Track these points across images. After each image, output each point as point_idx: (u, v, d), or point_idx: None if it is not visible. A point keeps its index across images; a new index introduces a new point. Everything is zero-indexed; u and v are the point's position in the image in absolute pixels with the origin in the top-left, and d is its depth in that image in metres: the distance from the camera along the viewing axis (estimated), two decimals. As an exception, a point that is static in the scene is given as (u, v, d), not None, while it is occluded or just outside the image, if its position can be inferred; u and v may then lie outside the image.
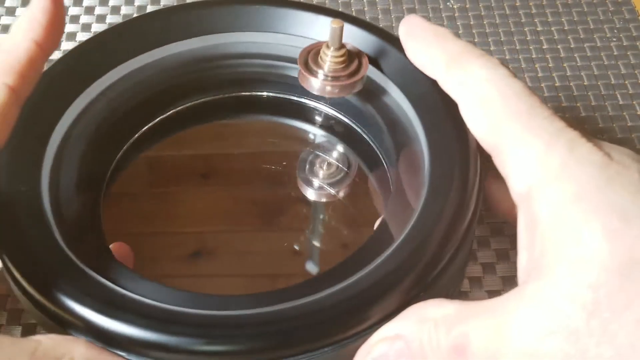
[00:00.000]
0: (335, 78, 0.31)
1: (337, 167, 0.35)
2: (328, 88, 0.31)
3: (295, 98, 0.36)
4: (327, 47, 0.31)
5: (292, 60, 0.33)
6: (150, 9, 0.45)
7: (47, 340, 0.23)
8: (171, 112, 0.36)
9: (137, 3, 0.46)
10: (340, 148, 0.36)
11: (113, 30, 0.34)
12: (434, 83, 0.29)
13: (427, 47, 0.28)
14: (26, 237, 0.26)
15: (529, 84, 0.41)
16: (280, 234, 0.34)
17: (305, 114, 0.36)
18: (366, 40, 0.32)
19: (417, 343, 0.22)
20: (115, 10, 0.45)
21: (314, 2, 0.46)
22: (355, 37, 0.32)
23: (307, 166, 0.35)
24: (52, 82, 0.31)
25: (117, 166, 0.33)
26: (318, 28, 0.34)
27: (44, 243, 0.26)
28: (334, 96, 0.32)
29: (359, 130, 0.35)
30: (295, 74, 0.33)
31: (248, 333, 0.24)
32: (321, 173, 0.35)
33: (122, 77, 0.33)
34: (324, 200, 0.35)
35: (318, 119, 0.36)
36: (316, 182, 0.35)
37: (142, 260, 0.31)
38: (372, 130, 0.34)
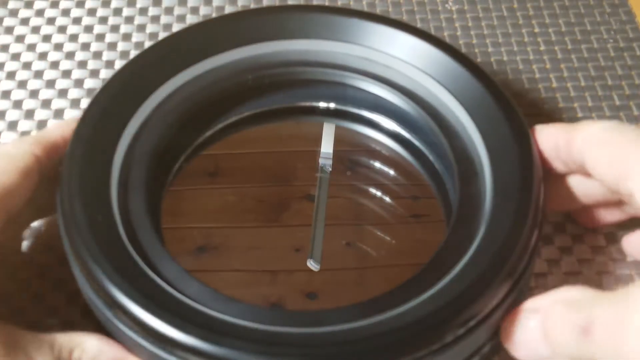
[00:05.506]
0: None
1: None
2: None
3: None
4: None
5: (350, 69, 0.35)
6: (151, 10, 0.45)
7: (62, 336, 0.28)
8: (228, 121, 0.36)
9: (138, 5, 0.46)
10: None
11: (164, 42, 0.35)
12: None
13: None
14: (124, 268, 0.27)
15: (526, 85, 0.42)
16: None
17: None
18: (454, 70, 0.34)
19: (551, 319, 0.26)
20: (118, 12, 0.46)
21: (314, 3, 0.46)
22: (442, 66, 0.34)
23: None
24: (110, 103, 0.32)
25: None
26: (377, 38, 0.34)
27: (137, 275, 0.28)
28: None
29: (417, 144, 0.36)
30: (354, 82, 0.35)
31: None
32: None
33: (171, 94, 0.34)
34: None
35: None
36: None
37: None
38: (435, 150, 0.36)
